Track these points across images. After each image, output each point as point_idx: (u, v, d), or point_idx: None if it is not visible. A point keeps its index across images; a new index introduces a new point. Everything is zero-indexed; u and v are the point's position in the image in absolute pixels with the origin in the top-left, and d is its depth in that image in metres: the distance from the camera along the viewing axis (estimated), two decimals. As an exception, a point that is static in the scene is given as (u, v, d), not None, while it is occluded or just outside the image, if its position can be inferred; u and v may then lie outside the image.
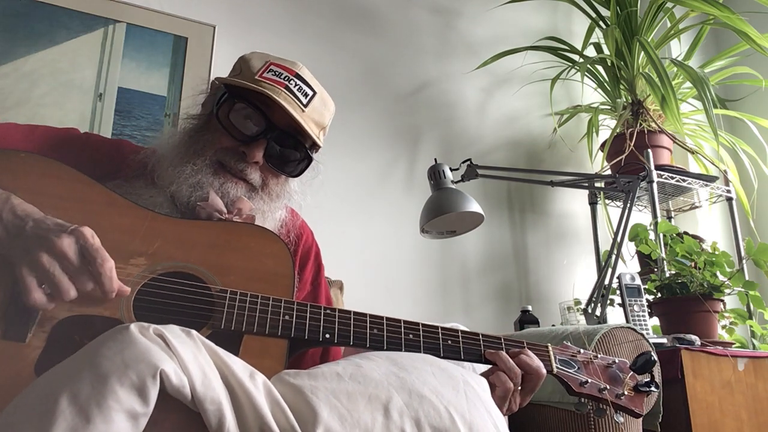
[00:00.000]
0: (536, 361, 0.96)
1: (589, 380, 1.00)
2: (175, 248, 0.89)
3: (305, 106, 1.04)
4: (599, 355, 1.06)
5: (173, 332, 0.66)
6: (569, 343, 1.07)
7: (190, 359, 0.63)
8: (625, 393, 1.00)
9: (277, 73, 1.04)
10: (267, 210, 1.06)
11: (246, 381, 0.66)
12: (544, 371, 0.97)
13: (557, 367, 1.00)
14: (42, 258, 0.74)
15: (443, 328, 0.96)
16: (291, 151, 1.06)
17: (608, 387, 0.99)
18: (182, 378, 0.61)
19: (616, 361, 1.05)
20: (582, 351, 1.05)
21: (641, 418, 1.43)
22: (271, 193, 1.06)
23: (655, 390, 1.02)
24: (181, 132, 1.07)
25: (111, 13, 1.91)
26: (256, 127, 1.02)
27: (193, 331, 0.68)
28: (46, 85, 1.79)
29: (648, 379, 1.02)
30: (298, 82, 1.05)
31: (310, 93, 1.06)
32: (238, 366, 0.68)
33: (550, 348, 1.02)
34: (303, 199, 1.14)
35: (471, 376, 0.82)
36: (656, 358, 1.02)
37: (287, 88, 1.03)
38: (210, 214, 0.98)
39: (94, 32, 1.89)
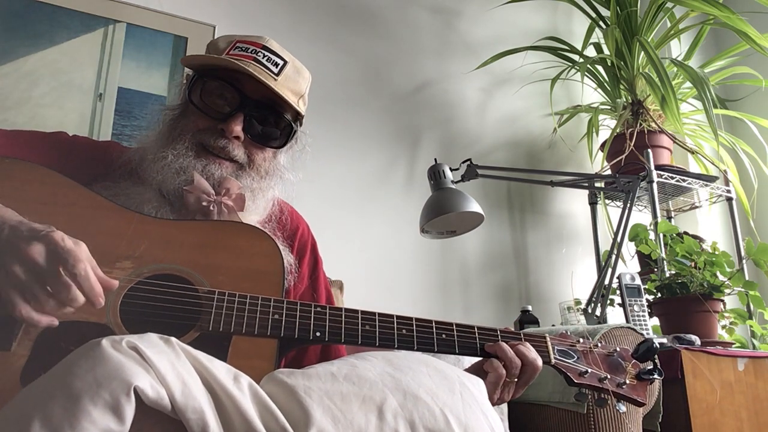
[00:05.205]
0: (532, 353, 0.94)
1: (589, 370, 0.97)
2: (161, 250, 0.87)
3: (277, 75, 1.03)
4: (599, 344, 1.03)
5: (149, 342, 0.64)
6: (568, 332, 1.05)
7: (167, 369, 0.61)
8: (627, 382, 0.98)
9: (243, 49, 1.03)
10: (257, 188, 1.04)
11: (229, 385, 0.64)
12: (540, 363, 0.95)
13: (555, 358, 0.98)
14: (15, 268, 0.71)
15: (437, 322, 0.94)
16: (271, 121, 1.04)
17: (609, 376, 0.97)
18: (159, 390, 0.59)
19: (618, 349, 1.03)
20: (581, 340, 1.03)
21: (642, 418, 1.43)
22: (260, 170, 1.04)
23: (659, 377, 0.99)
24: (160, 124, 1.06)
25: (111, 13, 1.91)
26: (231, 102, 1.01)
27: (173, 338, 0.67)
28: (46, 85, 1.79)
29: (651, 367, 1.00)
30: (266, 53, 1.03)
31: (281, 62, 1.04)
32: (221, 371, 0.66)
33: (548, 338, 1.00)
34: (296, 176, 1.12)
35: (467, 377, 0.81)
36: (658, 345, 1.00)
37: (255, 60, 1.01)
38: (198, 198, 0.96)
39: (94, 32, 1.89)
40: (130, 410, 0.57)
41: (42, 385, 0.60)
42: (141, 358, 0.61)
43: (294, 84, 1.06)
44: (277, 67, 1.03)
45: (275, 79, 1.02)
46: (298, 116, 1.09)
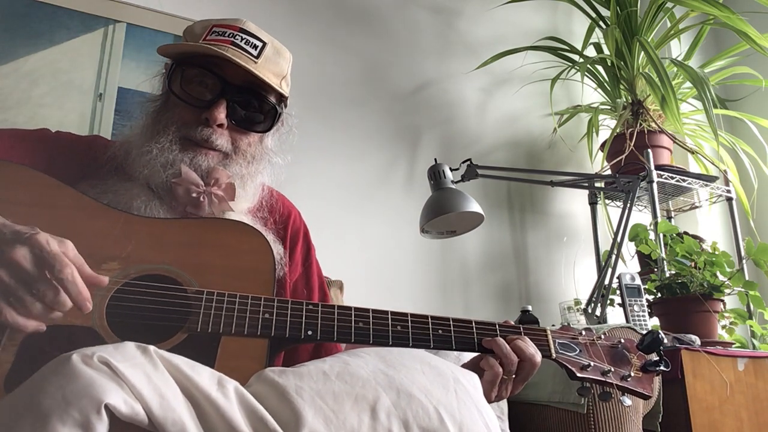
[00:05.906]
0: (530, 349, 0.92)
1: (592, 363, 0.94)
2: (149, 250, 0.85)
3: (257, 57, 1.01)
4: (603, 336, 1.00)
5: (123, 354, 0.62)
6: (570, 325, 1.04)
7: (142, 384, 0.59)
8: (632, 374, 0.95)
9: (220, 33, 1.01)
10: (246, 174, 1.02)
11: (213, 393, 0.62)
12: (539, 359, 0.93)
13: (557, 352, 0.95)
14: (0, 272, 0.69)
15: (433, 318, 0.92)
16: (254, 105, 1.02)
17: (613, 369, 0.94)
18: (134, 406, 0.57)
19: (622, 341, 1.00)
20: (584, 333, 1.00)
21: (642, 418, 1.43)
22: (247, 155, 1.03)
23: (665, 369, 0.96)
24: (143, 116, 1.04)
25: (111, 13, 1.91)
26: (212, 89, 0.99)
27: (150, 347, 0.64)
28: (46, 85, 1.79)
29: (656, 358, 0.97)
30: (244, 36, 1.02)
31: (260, 44, 1.02)
32: (204, 377, 0.64)
33: (548, 331, 0.98)
34: (284, 159, 1.10)
35: (462, 373, 0.80)
36: (663, 336, 0.97)
37: (233, 44, 0.99)
38: (187, 189, 0.95)
39: (94, 32, 1.89)
40: (101, 428, 0.55)
41: (11, 403, 0.58)
42: (113, 373, 0.59)
43: (275, 66, 1.04)
44: (256, 50, 1.02)
45: (255, 62, 1.00)
46: (282, 98, 1.07)
